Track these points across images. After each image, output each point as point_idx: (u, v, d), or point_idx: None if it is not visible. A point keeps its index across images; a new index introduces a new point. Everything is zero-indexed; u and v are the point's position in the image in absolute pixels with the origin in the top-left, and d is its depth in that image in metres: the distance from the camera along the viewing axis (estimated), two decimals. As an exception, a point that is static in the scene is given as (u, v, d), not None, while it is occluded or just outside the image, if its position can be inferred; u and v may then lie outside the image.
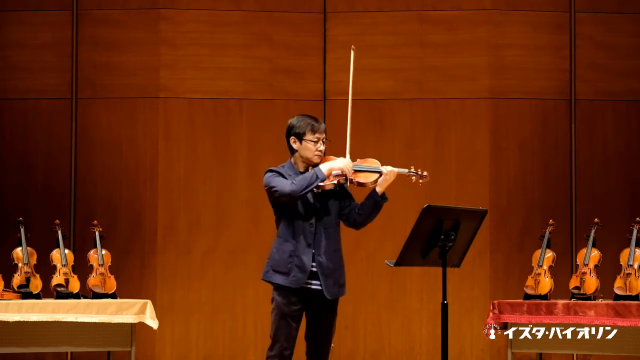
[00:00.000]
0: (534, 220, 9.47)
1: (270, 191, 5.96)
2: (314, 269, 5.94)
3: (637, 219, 8.26)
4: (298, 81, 9.73)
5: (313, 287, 5.95)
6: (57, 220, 8.59)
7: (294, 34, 9.77)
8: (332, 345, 9.08)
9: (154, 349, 9.47)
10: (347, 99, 6.14)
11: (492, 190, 9.59)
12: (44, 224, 8.85)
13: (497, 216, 9.49)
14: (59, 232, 8.50)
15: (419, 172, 6.02)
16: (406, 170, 6.01)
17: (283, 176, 5.98)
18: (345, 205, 6.06)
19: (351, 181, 5.95)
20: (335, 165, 5.94)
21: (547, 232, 8.50)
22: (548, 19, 9.73)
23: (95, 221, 8.70)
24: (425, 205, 5.61)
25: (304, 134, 6.01)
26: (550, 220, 8.61)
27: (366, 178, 5.97)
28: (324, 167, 5.93)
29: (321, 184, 5.92)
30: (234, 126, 9.70)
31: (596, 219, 8.47)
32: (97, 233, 8.56)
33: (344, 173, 5.93)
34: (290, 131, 6.06)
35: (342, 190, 6.03)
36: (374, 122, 9.70)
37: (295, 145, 6.05)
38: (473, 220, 5.84)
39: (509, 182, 9.64)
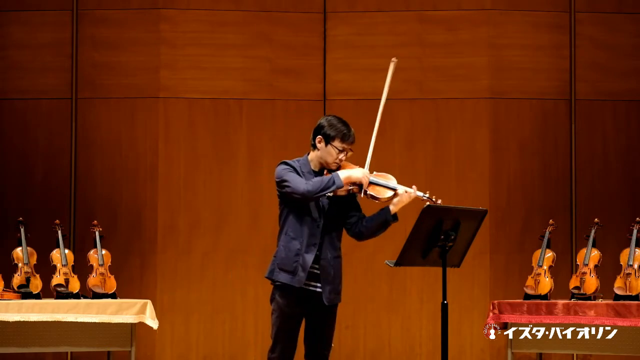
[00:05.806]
0: (534, 220, 9.47)
1: (282, 185, 5.82)
2: (316, 271, 5.86)
3: (637, 219, 8.26)
4: (298, 81, 9.73)
5: (312, 289, 5.86)
6: (57, 220, 8.59)
7: (294, 34, 9.77)
8: (332, 345, 9.08)
9: (154, 349, 9.47)
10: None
11: (492, 190, 9.58)
12: (44, 224, 8.85)
13: (497, 216, 9.49)
14: (59, 232, 8.50)
15: (433, 198, 5.84)
16: (421, 194, 5.86)
17: (298, 173, 5.86)
18: (352, 215, 5.97)
19: (365, 193, 5.85)
20: (354, 175, 5.83)
21: (547, 232, 8.50)
22: (548, 19, 9.73)
23: (95, 221, 8.70)
24: (425, 205, 5.61)
25: (334, 139, 5.90)
26: (550, 220, 8.61)
27: (380, 193, 5.87)
28: (342, 174, 5.82)
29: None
30: (234, 126, 9.70)
31: (596, 219, 8.47)
32: (97, 233, 8.56)
33: (361, 184, 5.83)
34: (321, 130, 5.94)
35: (352, 198, 5.94)
36: (374, 122, 9.67)
37: (319, 145, 5.92)
38: (473, 220, 5.83)
39: (509, 182, 9.64)
